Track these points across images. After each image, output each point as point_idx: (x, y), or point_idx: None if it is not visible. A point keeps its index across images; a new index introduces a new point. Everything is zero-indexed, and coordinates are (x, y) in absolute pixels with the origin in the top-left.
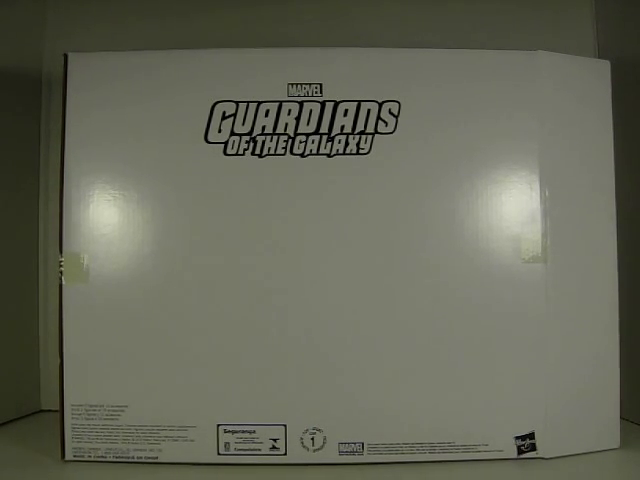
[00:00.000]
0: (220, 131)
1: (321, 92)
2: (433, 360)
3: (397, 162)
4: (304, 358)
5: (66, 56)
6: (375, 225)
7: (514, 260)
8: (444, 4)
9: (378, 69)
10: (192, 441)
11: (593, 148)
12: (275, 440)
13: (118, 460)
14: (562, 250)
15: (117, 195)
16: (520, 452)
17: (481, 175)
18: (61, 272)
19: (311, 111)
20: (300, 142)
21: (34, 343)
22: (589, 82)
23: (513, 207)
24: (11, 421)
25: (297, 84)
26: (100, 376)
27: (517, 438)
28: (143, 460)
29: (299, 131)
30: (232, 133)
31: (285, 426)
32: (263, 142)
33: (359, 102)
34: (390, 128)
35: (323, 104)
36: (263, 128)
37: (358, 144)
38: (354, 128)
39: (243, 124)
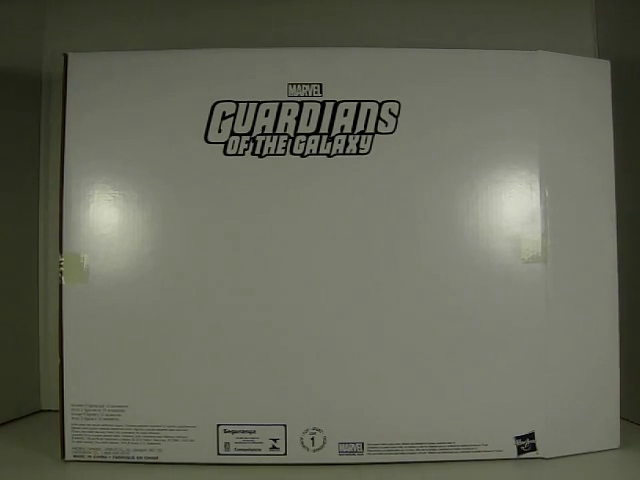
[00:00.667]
0: (220, 131)
1: (321, 92)
2: (433, 360)
3: (397, 162)
4: (304, 358)
5: (66, 56)
6: (375, 225)
7: (514, 260)
8: (444, 4)
9: (378, 69)
10: (192, 441)
11: (593, 148)
12: (275, 440)
13: (118, 460)
14: (562, 250)
15: (117, 195)
16: (520, 452)
17: (481, 175)
18: (61, 272)
19: (311, 111)
20: (300, 142)
21: (34, 343)
22: (589, 82)
23: (513, 207)
24: (11, 421)
25: (297, 84)
26: (100, 376)
27: (517, 438)
28: (143, 460)
29: (299, 131)
30: (232, 133)
31: (285, 426)
32: (263, 142)
33: (359, 102)
34: (390, 128)
35: (323, 104)
36: (263, 128)
37: (358, 144)
38: (354, 128)
39: (243, 124)
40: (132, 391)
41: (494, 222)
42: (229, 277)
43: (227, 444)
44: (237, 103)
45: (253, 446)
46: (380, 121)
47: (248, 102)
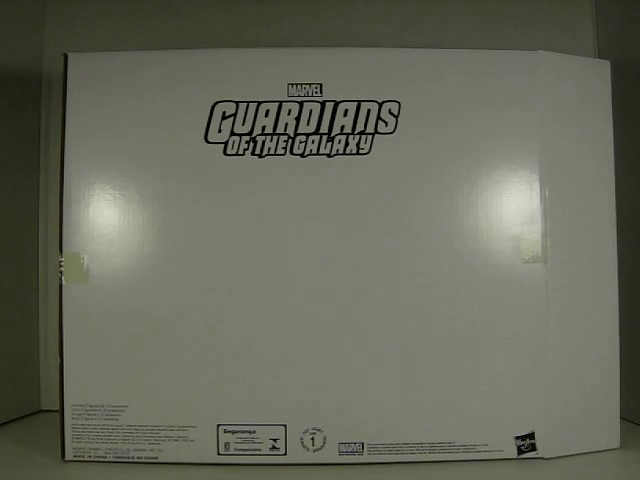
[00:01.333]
0: (220, 131)
1: (321, 92)
2: (433, 360)
3: (397, 162)
4: (304, 358)
5: (66, 56)
6: (375, 225)
7: (514, 260)
8: (444, 4)
9: (378, 69)
10: (192, 441)
11: (593, 148)
12: (275, 440)
13: (118, 460)
14: (562, 250)
15: (117, 195)
16: (520, 452)
17: (481, 175)
18: (61, 272)
19: (311, 111)
20: (300, 142)
21: (34, 343)
22: (589, 82)
23: (513, 207)
24: (11, 421)
25: (297, 84)
26: (100, 376)
27: (517, 438)
28: (143, 460)
29: (299, 131)
30: (232, 133)
31: (285, 426)
32: (263, 142)
33: (359, 102)
34: (390, 128)
35: (323, 104)
36: (263, 128)
37: (358, 144)
38: (354, 128)
39: (243, 124)
40: (132, 391)
41: (494, 222)
42: (229, 277)
43: (227, 444)
44: (237, 103)
45: (253, 446)
46: (380, 121)
47: (248, 102)
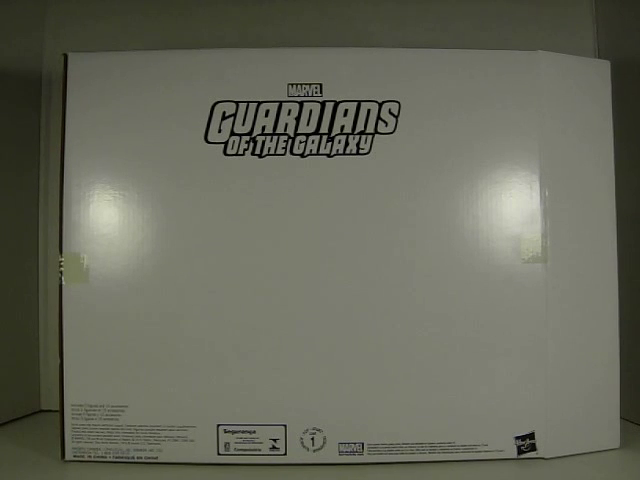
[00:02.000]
0: (220, 131)
1: (321, 92)
2: (433, 360)
3: (397, 162)
4: (304, 358)
5: (66, 56)
6: (375, 225)
7: (514, 260)
8: (444, 4)
9: (378, 69)
10: (192, 441)
11: (593, 148)
12: (275, 440)
13: (118, 460)
14: (562, 250)
15: (117, 195)
16: (520, 452)
17: (481, 175)
18: (61, 272)
19: (311, 111)
20: (300, 142)
21: (34, 343)
22: (589, 82)
23: (513, 207)
24: (11, 421)
25: (297, 84)
26: (100, 376)
27: (517, 438)
28: (143, 460)
29: (299, 131)
30: (232, 133)
31: (285, 426)
32: (263, 142)
33: (359, 102)
34: (390, 128)
35: (323, 104)
36: (263, 128)
37: (358, 144)
38: (354, 128)
39: (243, 124)
40: (132, 391)
41: (494, 222)
42: (229, 277)
43: (227, 444)
44: (237, 103)
45: (253, 446)
46: (380, 121)
47: (248, 102)
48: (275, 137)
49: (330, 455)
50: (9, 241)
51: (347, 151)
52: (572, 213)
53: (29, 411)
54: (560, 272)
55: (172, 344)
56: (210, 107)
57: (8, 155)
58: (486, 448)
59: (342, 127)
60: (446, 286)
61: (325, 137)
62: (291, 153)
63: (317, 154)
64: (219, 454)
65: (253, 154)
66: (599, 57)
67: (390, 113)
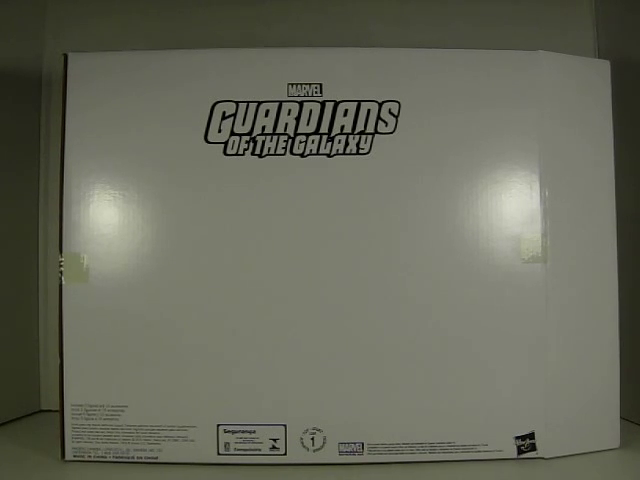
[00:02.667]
0: (220, 131)
1: (321, 92)
2: (433, 360)
3: (397, 162)
4: (304, 358)
5: (66, 56)
6: (375, 225)
7: (514, 260)
8: (444, 4)
9: (378, 69)
10: (192, 441)
11: (593, 148)
12: (275, 440)
13: (118, 460)
14: (562, 250)
15: (117, 195)
16: (520, 452)
17: (481, 175)
18: (61, 272)
19: (311, 111)
20: (300, 142)
21: (34, 343)
22: (589, 82)
23: (513, 207)
24: (11, 421)
25: (297, 84)
26: (100, 376)
27: (517, 438)
28: (143, 460)
29: (299, 131)
30: (232, 133)
31: (285, 426)
32: (263, 142)
33: (359, 102)
34: (390, 128)
35: (323, 104)
36: (263, 128)
37: (358, 144)
38: (354, 128)
39: (243, 124)
40: (132, 391)
41: (494, 222)
42: (229, 276)
43: (227, 444)
44: (237, 103)
45: (253, 446)
46: (380, 121)
47: (248, 102)
48: (275, 137)
49: (330, 455)
50: (9, 241)
51: (347, 151)
52: (572, 213)
53: (29, 411)
54: (560, 272)
55: (172, 344)
56: (210, 107)
57: (8, 155)
58: (486, 448)
59: (342, 127)
60: (446, 286)
61: (325, 137)
62: (291, 153)
63: (317, 154)
64: (219, 454)
65: (253, 154)
66: (599, 57)
67: (390, 113)
